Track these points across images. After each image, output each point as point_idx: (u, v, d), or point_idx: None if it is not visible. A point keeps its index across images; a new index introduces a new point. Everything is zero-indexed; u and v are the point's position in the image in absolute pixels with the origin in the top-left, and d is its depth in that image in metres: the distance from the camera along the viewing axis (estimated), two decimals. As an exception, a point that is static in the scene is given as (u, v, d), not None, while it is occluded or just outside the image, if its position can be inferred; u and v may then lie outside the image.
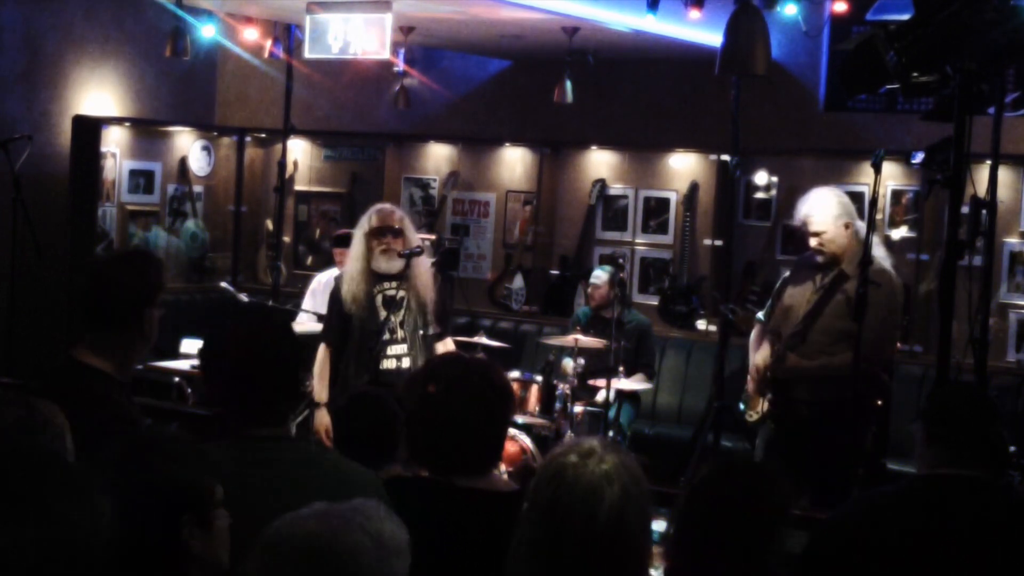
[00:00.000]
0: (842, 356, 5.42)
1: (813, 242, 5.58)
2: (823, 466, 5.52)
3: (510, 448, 6.57)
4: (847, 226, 5.55)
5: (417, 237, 5.92)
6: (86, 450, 2.81)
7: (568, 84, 8.58)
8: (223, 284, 8.53)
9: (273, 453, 2.70)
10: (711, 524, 2.44)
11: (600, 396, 7.16)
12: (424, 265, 5.80)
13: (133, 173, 9.71)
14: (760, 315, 5.97)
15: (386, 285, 5.77)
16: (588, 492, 2.15)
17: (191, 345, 7.72)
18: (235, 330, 2.84)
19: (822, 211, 5.56)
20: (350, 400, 3.96)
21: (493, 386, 2.82)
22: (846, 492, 5.51)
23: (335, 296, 5.91)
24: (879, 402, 5.26)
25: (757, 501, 2.45)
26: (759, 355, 5.78)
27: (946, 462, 3.23)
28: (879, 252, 5.69)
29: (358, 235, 5.83)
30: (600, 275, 7.72)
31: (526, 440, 6.70)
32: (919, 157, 4.47)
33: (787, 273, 5.92)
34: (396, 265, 5.70)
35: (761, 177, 8.47)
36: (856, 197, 8.24)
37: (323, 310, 8.10)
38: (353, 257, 5.86)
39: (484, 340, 7.11)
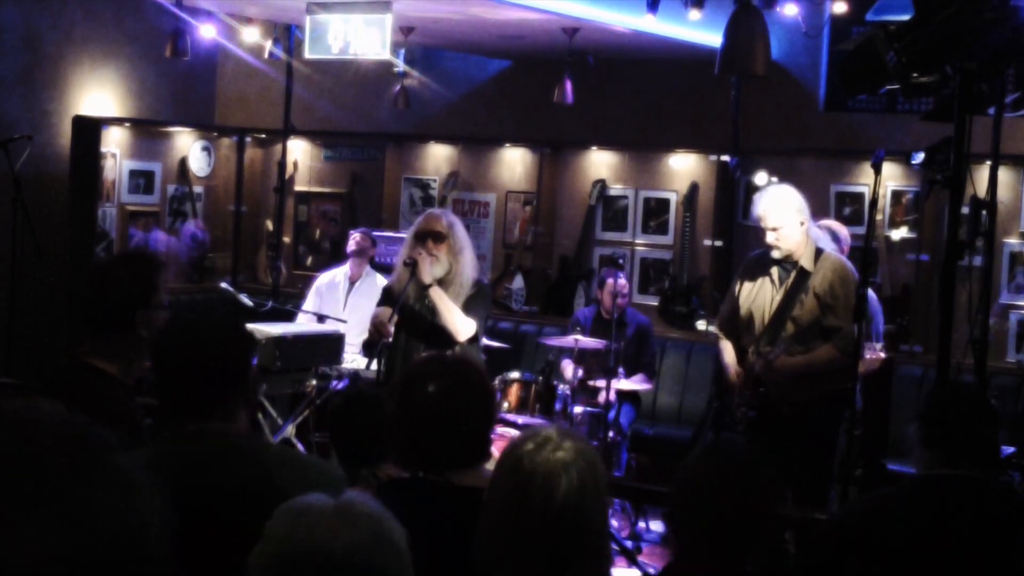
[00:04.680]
0: (821, 350, 5.60)
1: (770, 237, 5.64)
2: (807, 463, 5.58)
3: (510, 448, 6.57)
4: (802, 223, 5.66)
5: (466, 244, 5.74)
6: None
7: (568, 84, 8.58)
8: (223, 284, 8.54)
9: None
10: (700, 514, 2.49)
11: (600, 397, 7.15)
12: (463, 274, 5.65)
13: (133, 173, 9.71)
14: (714, 327, 6.03)
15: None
16: (545, 479, 2.19)
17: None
18: (168, 326, 2.85)
19: (778, 207, 5.65)
20: (346, 400, 3.96)
21: (474, 381, 2.86)
22: (829, 487, 5.57)
23: (387, 295, 5.84)
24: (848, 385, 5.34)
25: (743, 490, 2.49)
26: (731, 356, 5.86)
27: (943, 463, 3.23)
28: (828, 245, 5.83)
29: (406, 240, 5.79)
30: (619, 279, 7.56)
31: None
32: (919, 157, 4.47)
33: (737, 281, 5.93)
34: (435, 272, 5.59)
35: (761, 177, 8.47)
36: (856, 197, 8.29)
37: (327, 309, 8.17)
38: (400, 261, 5.79)
39: (484, 340, 7.10)
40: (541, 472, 2.20)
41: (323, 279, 8.45)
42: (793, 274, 5.67)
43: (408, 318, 5.69)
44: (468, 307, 5.65)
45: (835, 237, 6.24)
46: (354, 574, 1.73)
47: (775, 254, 5.66)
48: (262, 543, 1.80)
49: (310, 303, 8.30)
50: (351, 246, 8.33)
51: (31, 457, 1.28)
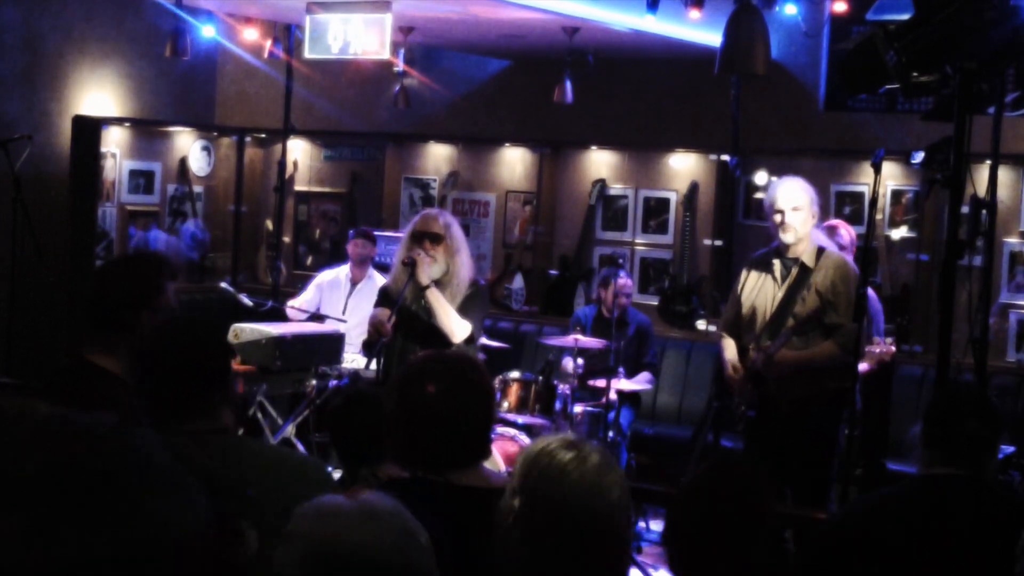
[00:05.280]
0: (822, 347, 5.60)
1: (788, 219, 5.60)
2: (807, 463, 5.58)
3: (510, 448, 6.57)
4: (813, 215, 5.68)
5: (463, 244, 5.71)
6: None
7: (568, 84, 8.58)
8: (223, 284, 8.54)
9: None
10: (701, 523, 2.50)
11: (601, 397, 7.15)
12: (459, 275, 5.64)
13: (133, 173, 9.71)
14: (714, 327, 6.04)
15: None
16: (590, 489, 2.19)
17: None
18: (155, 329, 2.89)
19: (796, 191, 5.68)
20: (347, 400, 3.96)
21: (474, 380, 2.86)
22: (828, 486, 5.57)
23: (384, 295, 5.83)
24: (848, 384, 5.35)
25: (746, 501, 2.50)
26: (732, 353, 5.87)
27: (943, 462, 3.24)
28: (833, 245, 5.81)
29: (403, 239, 5.76)
30: (622, 278, 7.58)
31: (526, 440, 6.70)
32: (919, 157, 4.48)
33: (740, 280, 5.93)
34: (432, 272, 5.58)
35: (761, 177, 8.47)
36: (856, 197, 8.29)
37: (327, 306, 8.18)
38: (397, 261, 5.76)
39: (484, 340, 7.11)
40: (586, 484, 2.20)
41: (326, 276, 8.45)
42: (795, 271, 5.67)
43: (405, 318, 5.69)
44: (465, 308, 5.64)
45: (839, 238, 6.24)
46: (380, 572, 1.73)
47: (787, 239, 5.63)
48: (284, 544, 1.80)
49: (309, 295, 8.30)
50: (352, 253, 8.31)
51: (90, 465, 1.29)
